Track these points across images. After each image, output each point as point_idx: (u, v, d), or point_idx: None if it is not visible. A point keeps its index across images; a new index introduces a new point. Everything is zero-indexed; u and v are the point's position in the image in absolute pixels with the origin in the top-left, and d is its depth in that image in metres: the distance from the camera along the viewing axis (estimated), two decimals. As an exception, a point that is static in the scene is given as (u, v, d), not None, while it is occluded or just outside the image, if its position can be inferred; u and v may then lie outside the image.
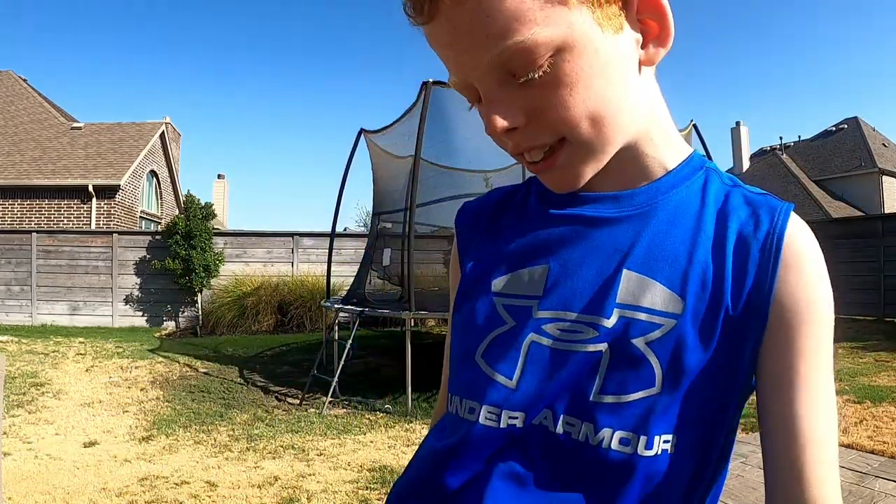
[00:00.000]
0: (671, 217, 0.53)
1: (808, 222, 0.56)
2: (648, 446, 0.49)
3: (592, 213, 0.55)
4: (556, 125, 0.48)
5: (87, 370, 6.49)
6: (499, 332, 0.56)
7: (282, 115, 79.94)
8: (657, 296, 0.50)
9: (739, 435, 3.93)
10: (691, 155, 0.57)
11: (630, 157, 0.54)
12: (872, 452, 3.52)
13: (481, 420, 0.53)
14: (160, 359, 7.21)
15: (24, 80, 18.38)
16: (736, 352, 0.50)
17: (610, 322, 0.51)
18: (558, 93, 0.47)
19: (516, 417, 0.52)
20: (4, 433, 4.07)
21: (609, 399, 0.50)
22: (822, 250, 0.55)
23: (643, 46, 0.51)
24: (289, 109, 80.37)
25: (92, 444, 4.00)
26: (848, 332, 8.84)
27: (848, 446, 3.65)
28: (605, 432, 0.50)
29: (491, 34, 0.45)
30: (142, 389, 5.65)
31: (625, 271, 0.52)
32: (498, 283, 0.57)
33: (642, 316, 0.50)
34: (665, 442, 0.50)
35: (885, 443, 3.66)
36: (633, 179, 0.55)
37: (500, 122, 0.48)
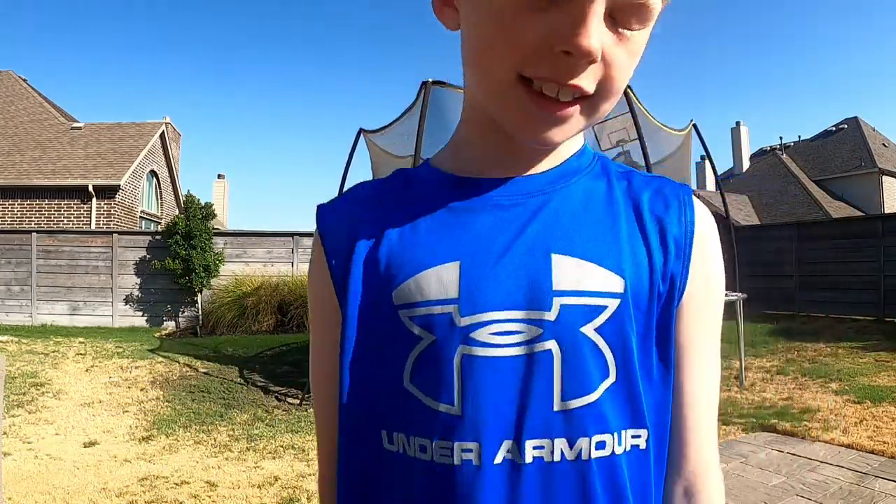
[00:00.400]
0: (584, 199, 0.51)
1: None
2: (619, 443, 0.47)
3: (501, 198, 0.50)
4: (606, 80, 0.45)
5: (87, 370, 6.49)
6: (419, 352, 0.48)
7: (282, 115, 79.96)
8: (595, 277, 0.47)
9: (739, 435, 3.95)
10: (584, 144, 0.55)
11: None
12: (872, 452, 3.52)
13: (435, 458, 0.47)
14: (160, 359, 7.21)
15: (24, 80, 18.38)
16: (665, 327, 0.50)
17: (552, 314, 0.46)
18: (626, 60, 0.45)
19: (471, 450, 0.46)
20: (4, 433, 4.07)
21: (575, 403, 0.46)
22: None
23: None
24: (289, 109, 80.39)
25: (92, 444, 4.00)
26: (848, 332, 8.84)
27: (848, 446, 3.65)
28: (582, 442, 0.46)
29: None
30: (142, 389, 5.65)
31: (554, 256, 0.48)
32: (399, 294, 0.49)
33: (585, 300, 0.46)
34: (634, 437, 0.48)
35: (885, 443, 3.66)
36: (538, 164, 0.52)
37: (596, 44, 0.41)
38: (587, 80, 0.44)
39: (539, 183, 0.51)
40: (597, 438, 0.46)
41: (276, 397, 5.40)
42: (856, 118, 25.57)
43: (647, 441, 0.49)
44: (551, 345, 0.46)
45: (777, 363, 6.67)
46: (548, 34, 0.42)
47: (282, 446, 3.91)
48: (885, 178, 22.41)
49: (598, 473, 0.46)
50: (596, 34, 0.41)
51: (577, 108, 0.45)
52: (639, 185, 0.53)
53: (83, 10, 55.05)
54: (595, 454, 0.46)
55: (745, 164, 26.39)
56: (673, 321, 0.50)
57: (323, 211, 0.57)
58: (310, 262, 0.57)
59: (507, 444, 0.46)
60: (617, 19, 0.43)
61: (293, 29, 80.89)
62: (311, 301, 0.57)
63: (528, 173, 0.52)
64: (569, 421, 0.46)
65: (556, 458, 0.46)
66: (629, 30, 0.44)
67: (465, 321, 0.47)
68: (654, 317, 0.49)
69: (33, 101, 17.06)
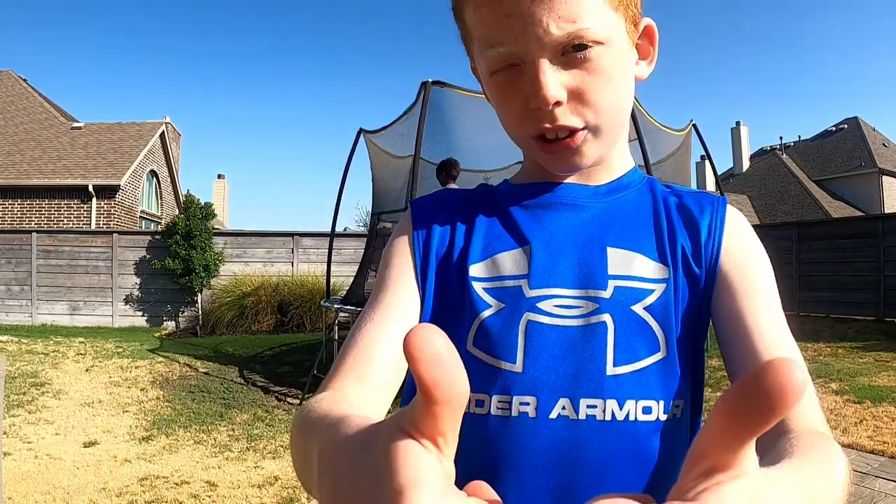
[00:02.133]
0: (634, 207, 0.60)
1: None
2: (666, 410, 0.53)
3: (567, 199, 0.60)
4: (588, 108, 0.53)
5: (87, 370, 6.49)
6: (485, 317, 0.55)
7: (282, 115, 79.97)
8: (645, 266, 0.56)
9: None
10: (635, 167, 0.65)
11: (603, 159, 0.60)
12: (872, 452, 3.52)
13: (492, 411, 0.52)
14: (160, 359, 7.21)
15: (24, 80, 18.38)
16: (702, 310, 0.57)
17: (607, 293, 0.54)
18: (597, 80, 0.52)
19: (528, 403, 0.51)
20: (4, 433, 4.07)
21: (625, 369, 0.52)
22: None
23: (636, 63, 0.59)
24: (289, 109, 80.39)
25: (92, 444, 4.00)
26: (848, 332, 8.83)
27: (848, 446, 3.65)
28: (630, 404, 0.51)
29: (563, 16, 0.49)
30: (142, 389, 5.65)
31: (609, 248, 0.56)
32: (476, 269, 0.57)
33: (635, 284, 0.55)
34: (676, 407, 0.54)
35: (885, 443, 3.66)
36: (596, 178, 0.61)
37: (554, 93, 0.51)
38: (570, 118, 0.53)
39: (597, 192, 0.61)
40: (643, 403, 0.52)
41: (276, 397, 5.40)
42: (856, 118, 25.58)
43: (683, 410, 0.55)
44: (606, 318, 0.53)
45: (777, 363, 6.66)
46: (524, 100, 0.53)
47: (282, 446, 3.91)
48: (885, 178, 22.42)
49: (644, 434, 0.52)
50: (552, 86, 0.51)
51: (579, 135, 0.54)
52: (682, 195, 0.62)
53: (83, 10, 55.06)
54: (641, 417, 0.52)
55: (745, 164, 26.39)
56: (711, 299, 0.57)
57: (414, 204, 0.65)
58: (391, 240, 0.63)
59: (563, 402, 0.51)
60: (568, 54, 0.51)
61: (293, 29, 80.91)
62: (382, 274, 0.60)
63: (590, 183, 0.61)
64: (619, 384, 0.52)
65: (608, 417, 0.51)
66: (586, 54, 0.51)
67: (532, 293, 0.55)
68: (695, 300, 0.57)
69: (33, 101, 17.06)
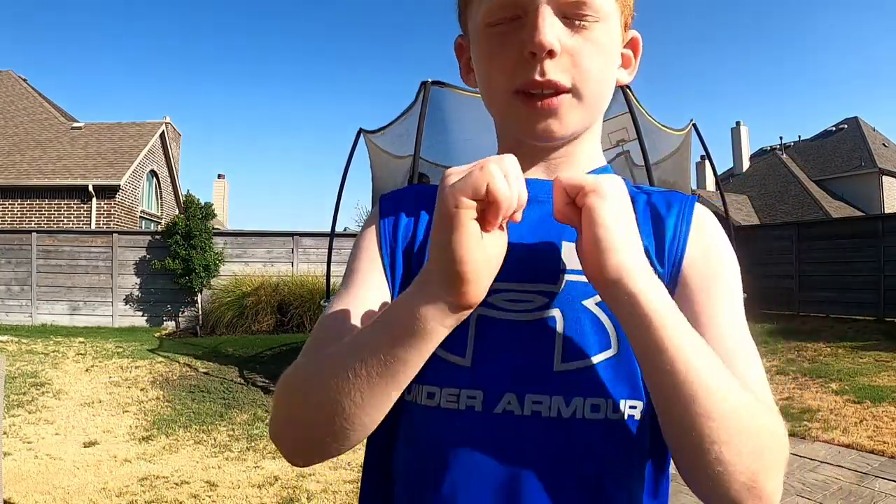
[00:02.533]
0: None
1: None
2: (615, 410, 0.51)
3: (529, 194, 0.56)
4: (576, 71, 0.54)
5: (87, 370, 6.49)
6: None
7: (282, 115, 79.98)
8: None
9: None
10: (607, 165, 0.65)
11: (569, 155, 0.60)
12: (872, 452, 3.52)
13: (442, 403, 0.53)
14: (160, 359, 7.20)
15: (24, 80, 18.38)
16: None
17: (558, 287, 0.54)
18: (591, 48, 0.54)
19: (474, 397, 0.52)
20: (4, 433, 4.07)
21: (573, 366, 0.51)
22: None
23: (619, 67, 0.61)
24: (289, 109, 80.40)
25: (92, 444, 4.00)
26: (848, 332, 8.83)
27: (848, 446, 3.65)
28: (577, 402, 0.51)
29: None
30: (142, 389, 5.65)
31: (565, 242, 0.56)
32: None
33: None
34: (631, 408, 0.52)
35: (885, 443, 3.66)
36: (565, 170, 0.60)
37: (551, 38, 0.51)
38: (559, 74, 0.53)
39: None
40: (591, 401, 0.51)
41: (276, 397, 5.40)
42: (856, 118, 25.57)
43: (642, 412, 0.52)
44: (556, 312, 0.53)
45: (777, 363, 6.66)
46: (518, 46, 0.53)
47: (282, 446, 3.91)
48: (885, 178, 22.41)
49: (590, 434, 0.50)
50: (550, 31, 0.51)
51: (562, 99, 0.54)
52: (651, 193, 0.61)
53: (83, 10, 55.08)
54: (589, 416, 0.51)
55: (745, 164, 26.38)
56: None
57: (382, 198, 0.66)
58: (361, 231, 0.65)
59: (508, 397, 0.51)
60: (568, 16, 0.53)
61: (293, 29, 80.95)
62: (351, 262, 0.63)
63: (552, 178, 0.59)
64: (566, 381, 0.51)
65: (553, 414, 0.50)
66: (583, 21, 0.53)
67: None
68: None
69: (33, 101, 17.06)
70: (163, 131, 16.59)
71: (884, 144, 24.82)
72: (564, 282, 0.54)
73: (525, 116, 0.55)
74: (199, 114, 71.45)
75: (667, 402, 0.45)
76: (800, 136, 27.52)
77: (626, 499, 0.52)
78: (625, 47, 0.60)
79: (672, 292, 0.53)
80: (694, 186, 15.91)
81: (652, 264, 0.53)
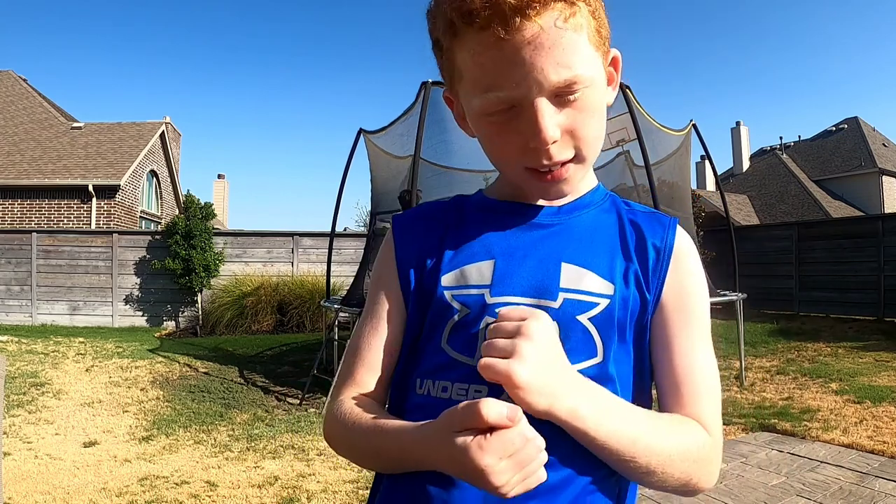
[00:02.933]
0: (593, 226, 0.68)
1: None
2: None
3: (530, 218, 0.67)
4: (577, 142, 0.60)
5: (87, 370, 6.49)
6: (455, 320, 0.64)
7: (282, 115, 79.96)
8: (593, 282, 0.63)
9: (739, 435, 3.94)
10: (598, 184, 0.72)
11: None
12: (872, 452, 3.52)
13: (453, 396, 0.61)
14: (160, 359, 7.21)
15: (24, 80, 18.38)
16: (644, 325, 0.64)
17: (556, 304, 0.62)
18: (585, 116, 0.59)
19: (480, 391, 0.60)
20: (4, 433, 4.07)
21: None
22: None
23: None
24: (289, 109, 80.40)
25: (92, 444, 4.00)
26: (848, 332, 8.83)
27: (848, 446, 3.65)
28: None
29: (561, 63, 0.56)
30: (142, 389, 5.65)
31: (563, 264, 0.64)
32: (447, 279, 0.66)
33: (583, 297, 0.62)
34: None
35: (885, 443, 3.66)
36: (561, 198, 0.68)
37: (552, 134, 0.57)
38: (562, 152, 0.60)
39: (560, 210, 0.68)
40: None
41: (276, 397, 5.40)
42: (856, 118, 25.57)
43: None
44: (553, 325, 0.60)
45: (777, 363, 6.67)
46: (522, 141, 0.59)
47: (282, 446, 3.91)
48: (885, 177, 22.40)
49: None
50: (550, 125, 0.57)
51: (568, 167, 0.61)
52: (638, 218, 0.69)
53: (83, 10, 55.08)
54: None
55: (745, 164, 26.37)
56: (648, 319, 0.65)
57: (396, 220, 0.74)
58: (381, 253, 0.74)
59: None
60: (561, 94, 0.57)
61: (293, 29, 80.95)
62: (372, 286, 0.73)
63: (553, 204, 0.68)
64: None
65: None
66: (573, 96, 0.58)
67: (493, 300, 0.63)
68: (635, 316, 0.64)
69: (33, 101, 17.06)
70: (163, 131, 16.59)
71: (884, 144, 24.81)
72: (562, 299, 0.62)
73: (538, 187, 0.64)
74: (199, 114, 71.42)
75: (614, 465, 0.58)
76: (800, 136, 27.52)
77: (603, 491, 0.60)
78: (609, 66, 0.66)
79: (653, 312, 0.65)
80: (694, 186, 15.89)
81: (640, 287, 0.64)
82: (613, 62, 0.67)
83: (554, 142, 0.58)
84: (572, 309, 0.61)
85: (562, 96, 0.57)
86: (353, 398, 0.66)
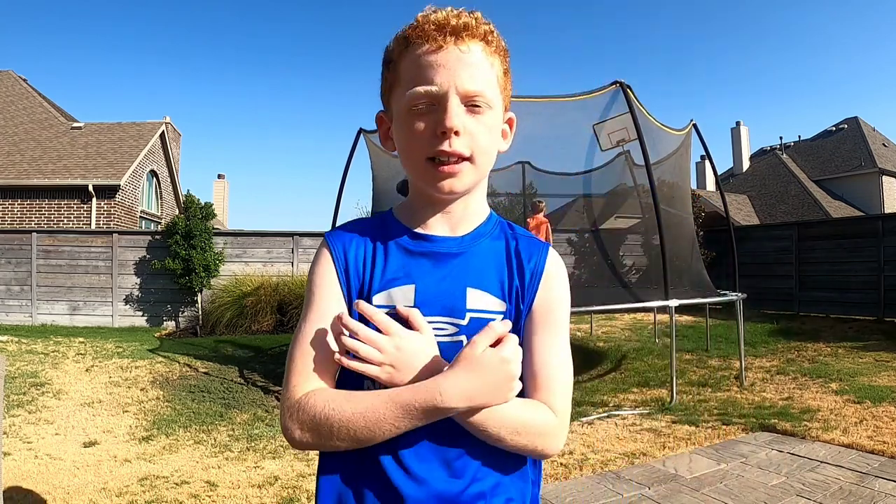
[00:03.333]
0: (487, 252, 0.84)
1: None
2: None
3: (440, 249, 0.82)
4: (473, 145, 0.76)
5: (87, 370, 6.49)
6: None
7: (282, 115, 79.92)
8: (491, 301, 0.80)
9: (739, 435, 3.94)
10: (490, 213, 0.88)
11: (464, 208, 0.84)
12: (872, 452, 3.52)
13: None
14: (160, 359, 7.20)
15: (24, 80, 18.37)
16: (518, 330, 0.80)
17: (465, 321, 0.79)
18: (483, 129, 0.77)
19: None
20: (4, 433, 4.07)
21: None
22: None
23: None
24: (289, 109, 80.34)
25: (92, 444, 4.00)
26: (848, 332, 8.83)
27: (848, 446, 3.64)
28: None
29: (475, 77, 0.75)
30: (142, 389, 5.65)
31: (468, 289, 0.80)
32: (378, 298, 0.80)
33: (484, 315, 0.79)
34: None
35: (885, 443, 3.66)
36: (463, 226, 0.84)
37: (457, 122, 0.74)
38: (461, 146, 0.76)
39: (461, 241, 0.84)
40: None
41: (276, 397, 5.40)
42: (856, 118, 25.56)
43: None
44: (463, 338, 0.79)
45: (777, 363, 6.66)
46: (433, 126, 0.75)
47: (282, 446, 3.91)
48: (885, 178, 22.39)
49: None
50: (456, 118, 0.74)
51: (462, 166, 0.77)
52: (520, 244, 0.86)
53: (83, 10, 55.06)
54: None
55: (745, 164, 26.36)
56: (522, 325, 0.81)
57: (334, 235, 0.86)
58: (315, 265, 0.84)
59: None
60: (468, 104, 0.75)
61: (293, 29, 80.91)
62: (314, 288, 0.82)
63: (455, 234, 0.84)
64: None
65: None
66: (478, 108, 0.76)
67: None
68: (520, 325, 0.81)
69: (33, 101, 17.06)
70: (163, 131, 16.59)
71: (884, 144, 24.80)
72: (469, 318, 0.79)
73: (434, 177, 0.77)
74: (199, 114, 71.40)
75: (475, 432, 0.74)
76: (800, 136, 27.51)
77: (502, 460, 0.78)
78: (504, 123, 0.84)
79: (525, 320, 0.82)
80: (694, 186, 15.88)
81: (518, 297, 0.82)
82: (509, 121, 0.86)
83: (456, 132, 0.74)
84: (477, 324, 0.77)
85: (469, 105, 0.75)
86: (320, 389, 0.75)
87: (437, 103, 0.74)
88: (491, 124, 0.78)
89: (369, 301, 0.79)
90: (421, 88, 0.74)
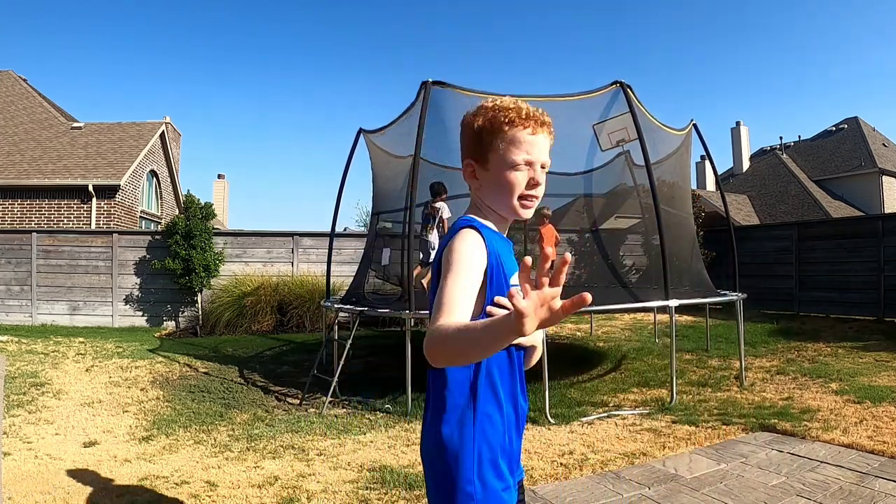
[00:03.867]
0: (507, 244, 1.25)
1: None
2: None
3: (510, 244, 1.23)
4: (542, 191, 1.17)
5: (87, 370, 6.49)
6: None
7: (282, 116, 79.92)
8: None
9: (739, 435, 3.95)
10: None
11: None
12: (872, 452, 3.51)
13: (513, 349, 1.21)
14: (160, 359, 7.21)
15: (24, 80, 18.38)
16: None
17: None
18: (544, 183, 1.17)
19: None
20: (4, 433, 4.07)
21: None
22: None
23: None
24: (289, 109, 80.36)
25: (92, 444, 4.00)
26: (848, 332, 8.83)
27: (848, 446, 3.64)
28: None
29: (547, 153, 1.17)
30: (142, 389, 5.65)
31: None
32: (513, 279, 1.14)
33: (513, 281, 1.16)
34: None
35: (885, 443, 3.66)
36: (506, 231, 1.25)
37: (542, 180, 1.16)
38: (539, 193, 1.17)
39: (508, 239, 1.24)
40: None
41: (276, 397, 5.40)
42: (856, 118, 25.57)
43: None
44: None
45: (777, 363, 6.67)
46: (526, 179, 1.14)
47: (282, 446, 3.91)
48: (885, 177, 22.40)
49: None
50: (541, 177, 1.15)
51: (535, 200, 1.17)
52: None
53: (83, 10, 55.04)
54: None
55: (745, 164, 26.37)
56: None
57: (478, 226, 1.15)
58: (465, 242, 1.10)
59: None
60: (543, 168, 1.16)
61: (293, 29, 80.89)
62: (466, 258, 1.08)
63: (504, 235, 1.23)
64: None
65: None
66: (544, 170, 1.16)
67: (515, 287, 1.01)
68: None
69: (33, 101, 17.06)
70: (163, 131, 16.60)
71: (884, 144, 24.81)
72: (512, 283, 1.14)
73: (522, 207, 1.16)
74: (199, 114, 71.34)
75: None
76: (800, 136, 27.52)
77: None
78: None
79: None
80: (694, 186, 15.87)
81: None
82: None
83: (540, 185, 1.16)
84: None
85: (543, 168, 1.16)
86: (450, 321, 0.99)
87: (531, 166, 1.13)
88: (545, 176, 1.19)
89: (508, 281, 1.14)
90: (524, 156, 1.12)
